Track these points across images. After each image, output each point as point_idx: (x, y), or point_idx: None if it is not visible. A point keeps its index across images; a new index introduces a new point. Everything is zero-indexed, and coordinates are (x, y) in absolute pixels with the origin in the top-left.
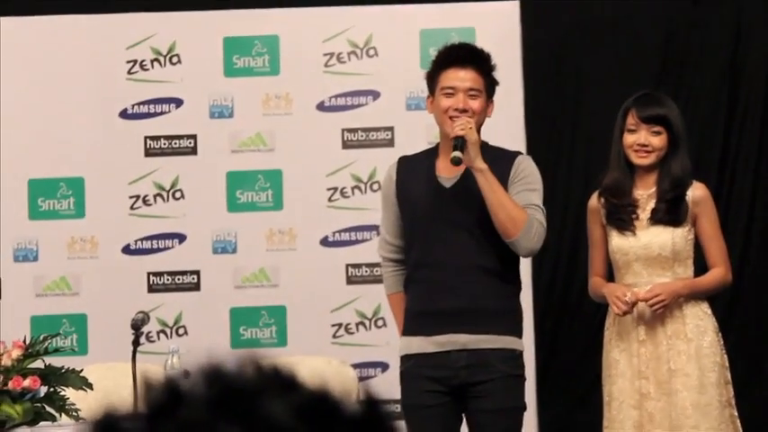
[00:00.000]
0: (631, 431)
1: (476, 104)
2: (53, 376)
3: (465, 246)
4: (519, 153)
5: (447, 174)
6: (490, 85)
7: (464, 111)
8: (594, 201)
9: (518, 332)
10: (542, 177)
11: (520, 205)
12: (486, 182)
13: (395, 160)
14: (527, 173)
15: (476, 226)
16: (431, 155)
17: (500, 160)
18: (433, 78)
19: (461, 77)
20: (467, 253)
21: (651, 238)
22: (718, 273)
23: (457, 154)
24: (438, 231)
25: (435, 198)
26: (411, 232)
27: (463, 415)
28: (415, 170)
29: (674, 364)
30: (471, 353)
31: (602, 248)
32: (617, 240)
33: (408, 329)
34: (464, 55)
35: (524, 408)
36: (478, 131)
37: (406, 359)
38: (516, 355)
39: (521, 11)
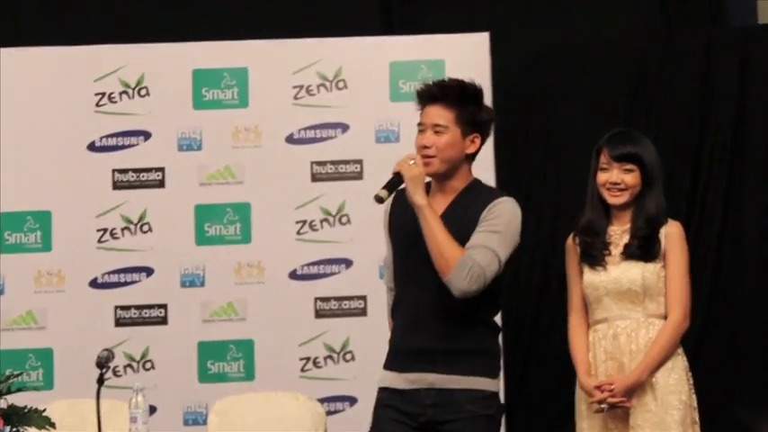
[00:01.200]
0: None
1: (440, 140)
2: (15, 416)
3: (436, 284)
4: (502, 195)
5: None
6: (468, 120)
7: (425, 147)
8: (570, 241)
9: (489, 373)
10: None
11: (467, 244)
12: (424, 218)
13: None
14: (497, 214)
15: None
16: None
17: (480, 199)
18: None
19: (428, 114)
20: (438, 292)
21: (621, 273)
22: (670, 326)
23: (379, 193)
24: (414, 269)
25: (413, 236)
26: (395, 267)
27: None
28: (405, 205)
29: (638, 399)
30: (439, 392)
31: (579, 285)
32: (588, 276)
33: (386, 362)
34: (433, 92)
35: None
36: (459, 168)
37: (381, 390)
38: (486, 396)
39: (490, 42)
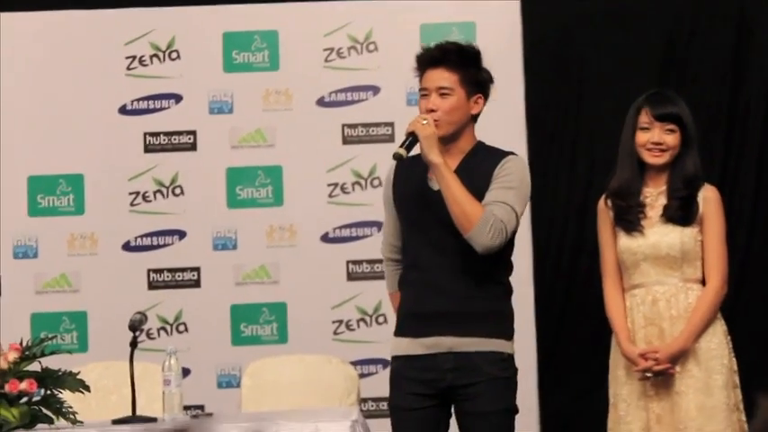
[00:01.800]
0: None
1: (445, 104)
2: (50, 379)
3: (452, 248)
4: (509, 153)
5: None
6: (471, 81)
7: (432, 111)
8: (602, 203)
9: (506, 335)
10: (544, 175)
11: (483, 201)
12: (442, 175)
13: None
14: (508, 171)
15: None
16: None
17: (489, 159)
18: (419, 81)
19: (432, 77)
20: (454, 255)
21: (660, 238)
22: (711, 292)
23: (399, 150)
24: (426, 234)
25: (424, 200)
26: (404, 234)
27: (450, 421)
28: (410, 172)
29: (681, 366)
30: (458, 355)
31: (613, 250)
32: (624, 241)
33: (398, 330)
34: (435, 54)
35: (515, 410)
36: (464, 129)
37: (394, 360)
38: (504, 358)
39: (522, 6)
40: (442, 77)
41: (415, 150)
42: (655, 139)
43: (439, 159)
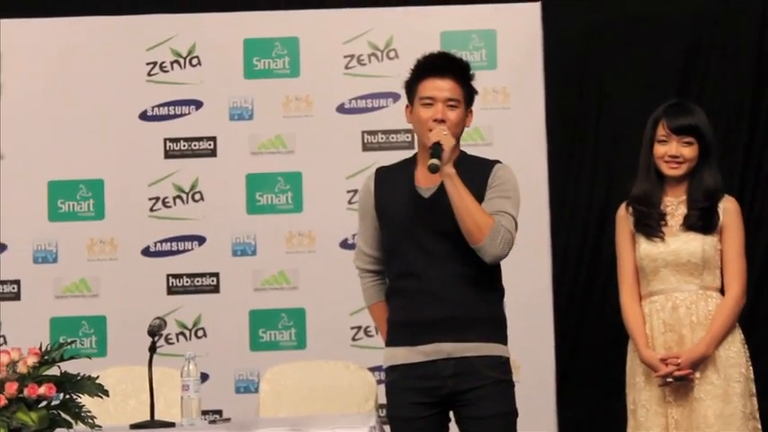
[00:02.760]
0: None
1: (453, 115)
2: (69, 383)
3: (446, 254)
4: (497, 162)
5: (425, 184)
6: (469, 95)
7: (442, 121)
8: (623, 210)
9: (503, 339)
10: (563, 182)
11: (488, 212)
12: (454, 187)
13: (372, 172)
14: (502, 180)
15: (456, 235)
16: (409, 165)
17: (478, 169)
18: (411, 88)
19: (440, 87)
20: (448, 262)
21: (681, 245)
22: (731, 301)
23: (434, 161)
24: (419, 241)
25: (415, 208)
26: (391, 243)
27: (450, 425)
28: (393, 181)
29: (700, 373)
30: (458, 361)
31: (632, 257)
32: (645, 246)
33: (392, 340)
34: (443, 64)
35: (516, 413)
36: (457, 142)
37: (391, 370)
38: (503, 361)
39: (542, 13)
40: (451, 89)
41: (394, 158)
42: (672, 152)
43: (452, 170)
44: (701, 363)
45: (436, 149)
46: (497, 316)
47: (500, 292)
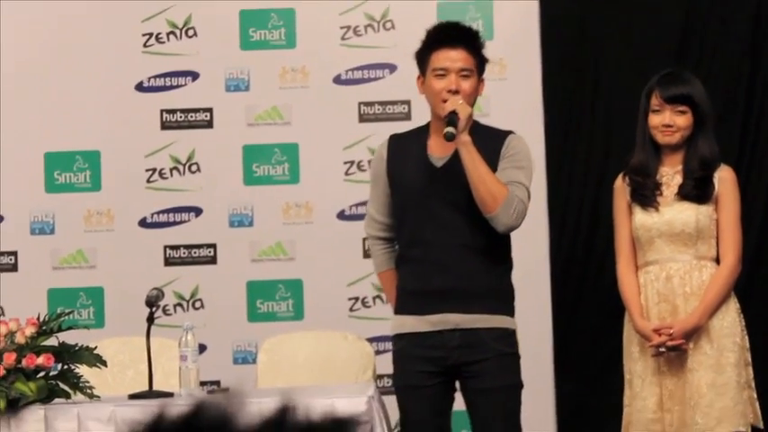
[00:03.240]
0: (653, 408)
1: (467, 85)
2: (67, 354)
3: (456, 224)
4: (511, 132)
5: (438, 153)
6: (481, 64)
7: (456, 92)
8: (620, 181)
9: (510, 311)
10: (560, 155)
11: (502, 181)
12: (469, 155)
13: (386, 138)
14: (516, 150)
15: (467, 205)
16: (422, 133)
17: (492, 138)
18: (423, 59)
19: (453, 58)
20: (458, 232)
21: (675, 215)
22: (726, 271)
23: (450, 129)
24: (429, 210)
25: (426, 177)
26: (402, 211)
27: (455, 395)
28: (406, 149)
29: (693, 343)
30: (464, 332)
31: (628, 227)
32: (640, 217)
33: (401, 308)
34: (455, 34)
35: (521, 385)
36: (472, 107)
37: (398, 338)
38: (509, 333)
39: None
40: (463, 59)
41: (407, 127)
42: (665, 121)
43: (467, 138)
44: (694, 333)
45: (452, 118)
46: (505, 288)
47: (509, 264)
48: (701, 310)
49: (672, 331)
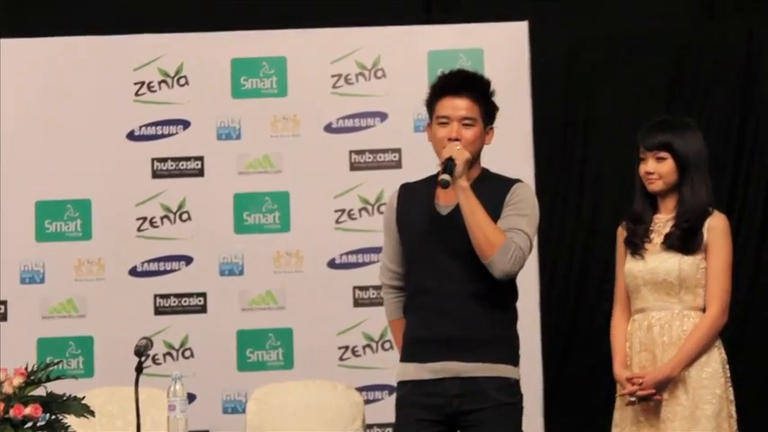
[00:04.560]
0: None
1: (469, 133)
2: (55, 404)
3: (460, 273)
4: (518, 181)
5: (445, 201)
6: (488, 113)
7: (456, 140)
8: (620, 228)
9: (513, 360)
10: (551, 200)
11: (502, 228)
12: (467, 200)
13: (397, 187)
14: (520, 198)
15: (470, 253)
16: (431, 182)
17: (499, 186)
18: (430, 106)
19: (455, 106)
20: (462, 280)
21: (658, 263)
22: (707, 321)
23: (445, 177)
24: (434, 258)
25: (432, 225)
26: (410, 259)
27: None
28: (414, 197)
29: (669, 393)
30: (465, 381)
31: (623, 274)
32: (628, 264)
33: (405, 355)
34: (458, 83)
35: None
36: (477, 159)
37: (401, 385)
38: (511, 384)
39: (529, 31)
40: (466, 107)
41: (418, 176)
42: (647, 168)
43: (466, 184)
44: (667, 383)
45: (448, 165)
46: (508, 336)
47: (512, 312)
48: (676, 361)
49: (642, 380)
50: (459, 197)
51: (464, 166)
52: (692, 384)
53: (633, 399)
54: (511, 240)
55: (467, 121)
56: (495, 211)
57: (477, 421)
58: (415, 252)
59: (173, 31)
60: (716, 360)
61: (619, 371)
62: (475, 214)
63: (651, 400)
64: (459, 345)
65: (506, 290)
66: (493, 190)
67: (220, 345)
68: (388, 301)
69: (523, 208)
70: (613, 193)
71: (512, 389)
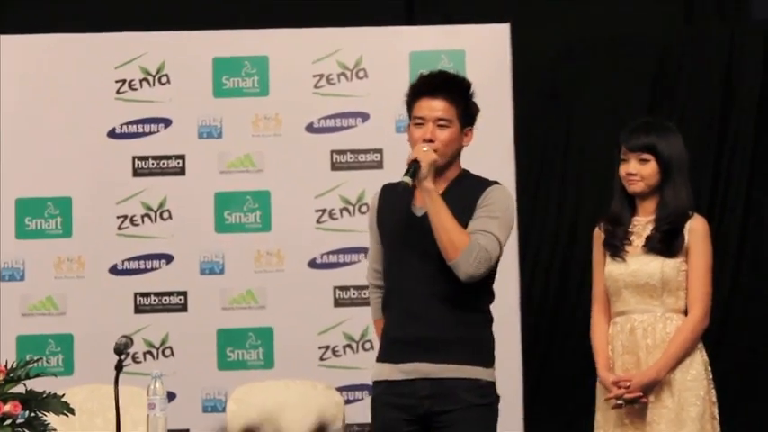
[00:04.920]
0: None
1: (444, 135)
2: (34, 401)
3: (433, 274)
4: (495, 183)
5: (422, 203)
6: (466, 114)
7: (430, 141)
8: (597, 230)
9: (483, 362)
10: (532, 202)
11: (471, 229)
12: (432, 202)
13: (379, 188)
14: (492, 201)
15: (439, 254)
16: None
17: (474, 188)
18: (409, 107)
19: (431, 107)
20: (434, 281)
21: (640, 266)
22: (690, 324)
23: (405, 179)
24: (408, 259)
25: (407, 227)
26: (387, 259)
27: None
28: (394, 199)
29: (655, 396)
30: (434, 382)
31: (602, 277)
32: (608, 267)
33: (380, 356)
34: (436, 84)
35: None
36: (455, 160)
37: (376, 385)
38: (481, 385)
39: (511, 34)
40: (441, 109)
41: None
42: (629, 169)
43: (431, 185)
44: (653, 386)
45: (412, 166)
46: (478, 338)
47: (484, 314)
48: (661, 364)
49: (629, 383)
50: (425, 199)
51: (429, 167)
52: (677, 387)
53: (620, 402)
54: (476, 242)
55: (442, 123)
56: (467, 213)
57: (448, 422)
58: (390, 253)
59: (155, 30)
60: (699, 362)
61: (604, 374)
62: (439, 215)
63: (638, 403)
64: (428, 346)
65: (478, 292)
66: (468, 191)
67: (201, 343)
68: (372, 301)
69: (495, 210)
70: (594, 194)
71: (482, 390)
